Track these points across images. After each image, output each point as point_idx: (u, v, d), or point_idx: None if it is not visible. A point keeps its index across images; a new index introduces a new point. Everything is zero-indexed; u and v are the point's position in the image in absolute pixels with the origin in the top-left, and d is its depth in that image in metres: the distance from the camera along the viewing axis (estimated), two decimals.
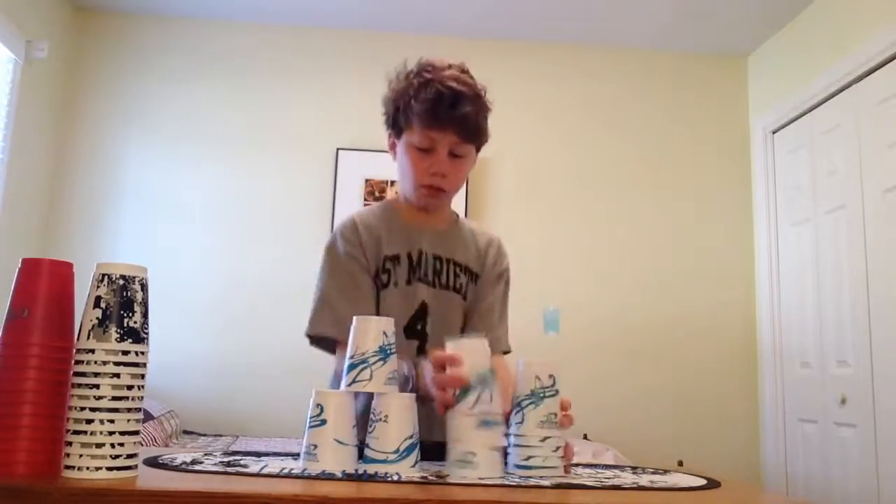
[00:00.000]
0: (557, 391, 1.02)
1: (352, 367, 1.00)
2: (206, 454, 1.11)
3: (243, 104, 3.70)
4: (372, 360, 1.00)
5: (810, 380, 3.23)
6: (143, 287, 0.91)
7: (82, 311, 0.89)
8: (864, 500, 2.80)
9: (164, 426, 2.89)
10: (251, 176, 3.67)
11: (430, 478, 0.96)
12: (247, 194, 3.64)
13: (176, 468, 0.96)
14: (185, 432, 3.23)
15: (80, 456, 0.84)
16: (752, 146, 3.82)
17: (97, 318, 0.87)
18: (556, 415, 1.01)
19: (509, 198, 3.75)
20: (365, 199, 3.62)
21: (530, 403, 1.00)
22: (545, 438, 0.99)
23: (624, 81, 3.89)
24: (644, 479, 1.04)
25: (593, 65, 3.89)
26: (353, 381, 1.00)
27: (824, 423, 3.10)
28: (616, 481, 1.00)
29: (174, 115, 3.68)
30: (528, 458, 0.99)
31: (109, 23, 3.72)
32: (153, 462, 0.99)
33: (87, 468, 0.84)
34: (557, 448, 1.00)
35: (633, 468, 1.18)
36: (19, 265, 0.91)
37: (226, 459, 1.06)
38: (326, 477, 0.93)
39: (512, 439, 1.01)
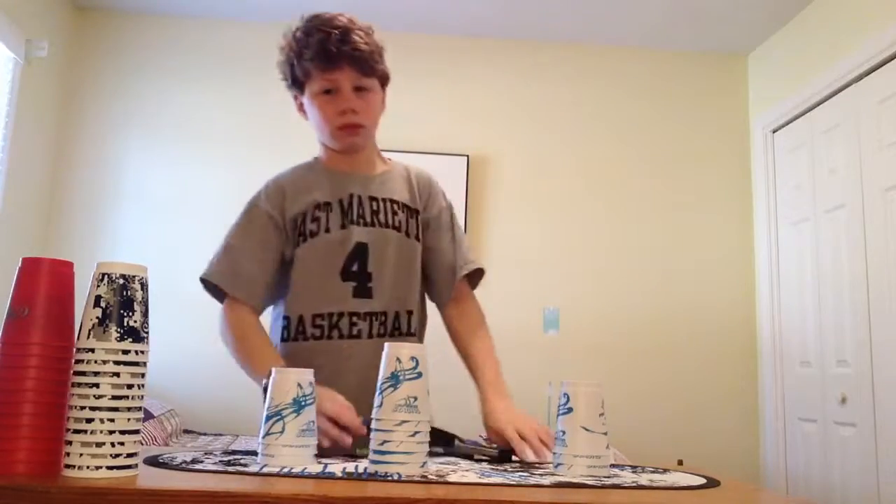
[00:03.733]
0: (420, 374, 1.01)
1: (268, 418, 1.02)
2: (206, 453, 1.12)
3: (243, 104, 3.71)
4: (285, 412, 1.01)
5: (810, 379, 3.23)
6: (143, 286, 0.91)
7: (82, 310, 0.89)
8: (864, 499, 2.80)
9: (164, 425, 2.89)
10: (251, 175, 3.63)
11: (431, 477, 0.96)
12: (247, 194, 3.62)
13: (176, 467, 0.96)
14: (186, 431, 3.23)
15: (81, 455, 0.84)
16: (751, 145, 3.82)
17: (97, 317, 0.87)
18: (415, 398, 1.00)
19: (509, 197, 3.75)
20: None
21: (389, 387, 1.00)
22: (401, 423, 0.98)
23: (624, 80, 3.89)
24: (644, 478, 1.04)
25: (593, 64, 3.89)
26: (267, 434, 1.01)
27: (824, 422, 3.10)
28: (616, 480, 1.01)
29: (174, 114, 3.68)
30: (384, 442, 0.98)
31: (109, 22, 3.72)
32: (153, 461, 0.99)
33: (88, 467, 0.84)
34: (416, 433, 0.98)
35: (633, 467, 1.18)
36: (19, 264, 0.91)
37: (226, 458, 1.06)
38: (326, 476, 0.94)
39: (371, 423, 1.01)
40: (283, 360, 1.39)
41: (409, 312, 1.46)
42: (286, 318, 1.43)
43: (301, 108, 1.52)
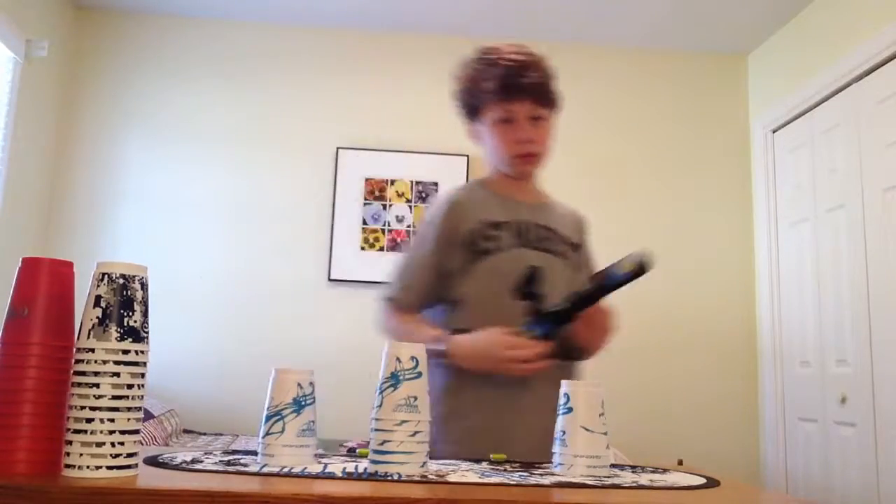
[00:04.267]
0: (420, 374, 1.01)
1: (268, 418, 1.02)
2: (206, 453, 1.12)
3: (243, 103, 3.71)
4: (286, 412, 1.01)
5: (810, 379, 3.23)
6: (143, 286, 0.91)
7: (82, 310, 0.89)
8: (864, 499, 2.80)
9: (164, 425, 2.89)
10: (251, 175, 3.67)
11: (431, 477, 0.96)
12: (247, 193, 3.64)
13: (176, 467, 0.96)
14: (185, 431, 3.23)
15: (81, 455, 0.84)
16: (752, 145, 3.82)
17: (97, 317, 0.87)
18: (415, 398, 1.00)
19: None
20: (365, 199, 3.62)
21: (389, 386, 1.00)
22: (401, 423, 0.98)
23: (624, 80, 3.89)
24: (644, 478, 1.04)
25: (593, 63, 3.89)
26: (267, 433, 1.01)
27: (824, 422, 3.10)
28: (616, 480, 1.01)
29: (174, 114, 3.68)
30: (384, 442, 0.98)
31: (109, 22, 3.72)
32: (153, 461, 0.99)
33: (88, 467, 0.84)
34: (416, 433, 0.99)
35: (633, 467, 1.18)
36: (19, 264, 0.91)
37: (226, 458, 1.06)
38: (326, 476, 0.94)
39: (371, 423, 1.01)
40: (456, 377, 1.44)
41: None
42: (462, 331, 1.45)
43: (473, 134, 1.60)
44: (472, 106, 1.54)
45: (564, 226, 1.59)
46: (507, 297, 1.44)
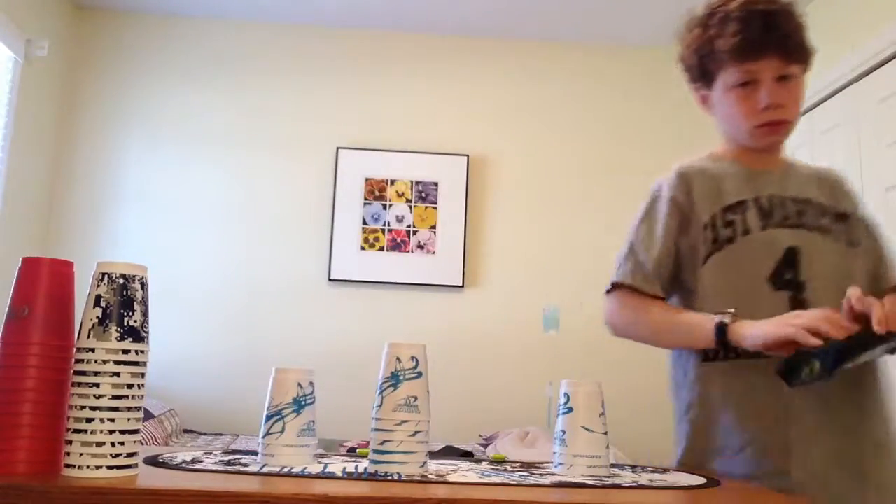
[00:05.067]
0: (420, 373, 1.01)
1: (268, 418, 1.02)
2: (206, 453, 1.12)
3: (243, 103, 3.71)
4: (286, 412, 1.01)
5: None
6: (143, 286, 0.91)
7: (82, 310, 0.89)
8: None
9: (164, 425, 2.89)
10: (251, 175, 3.67)
11: (431, 477, 0.96)
12: (247, 193, 3.64)
13: (176, 467, 0.96)
14: (185, 431, 3.23)
15: (81, 455, 0.84)
16: None
17: (97, 317, 0.87)
18: (416, 398, 1.00)
19: (509, 197, 3.75)
20: (365, 199, 3.62)
21: (389, 386, 1.00)
22: (401, 422, 0.99)
23: (623, 80, 3.89)
24: (644, 478, 1.04)
25: (592, 63, 3.89)
26: (267, 433, 1.01)
27: None
28: (616, 480, 1.01)
29: (174, 114, 3.68)
30: (384, 442, 0.98)
31: (109, 22, 3.72)
32: (153, 461, 0.99)
33: (88, 467, 0.84)
34: (416, 433, 0.99)
35: (633, 467, 1.18)
36: (19, 264, 0.91)
37: (226, 458, 1.06)
38: (326, 476, 0.94)
39: (371, 423, 1.01)
40: (700, 382, 1.25)
41: None
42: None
43: (704, 100, 1.39)
44: (702, 69, 1.32)
45: (822, 193, 1.31)
46: (762, 289, 1.21)
